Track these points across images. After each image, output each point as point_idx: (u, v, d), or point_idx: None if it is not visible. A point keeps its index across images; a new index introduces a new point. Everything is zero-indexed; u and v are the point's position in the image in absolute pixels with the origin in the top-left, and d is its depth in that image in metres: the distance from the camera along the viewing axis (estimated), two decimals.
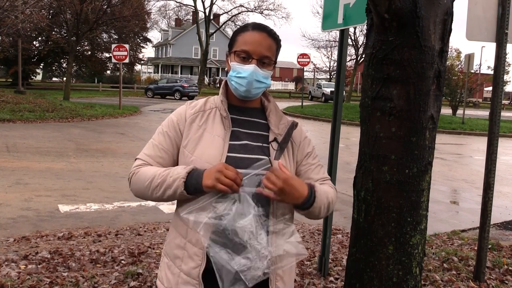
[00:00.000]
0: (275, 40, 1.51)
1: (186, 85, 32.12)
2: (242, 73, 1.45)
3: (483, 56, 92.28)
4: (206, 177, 1.36)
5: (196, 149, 1.46)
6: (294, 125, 1.55)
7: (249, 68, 1.45)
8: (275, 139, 1.50)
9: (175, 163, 1.53)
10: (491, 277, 3.81)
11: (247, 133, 1.51)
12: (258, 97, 1.56)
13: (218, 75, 54.06)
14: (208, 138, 1.47)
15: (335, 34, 37.34)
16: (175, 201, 1.55)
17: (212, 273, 1.43)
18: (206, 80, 45.72)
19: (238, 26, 1.61)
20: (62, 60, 41.77)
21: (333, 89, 4.09)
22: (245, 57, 1.47)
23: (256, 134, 1.52)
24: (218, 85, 47.98)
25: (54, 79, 58.55)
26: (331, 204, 1.50)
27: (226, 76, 1.57)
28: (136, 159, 1.55)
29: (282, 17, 62.91)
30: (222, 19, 47.40)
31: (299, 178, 1.51)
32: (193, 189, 1.38)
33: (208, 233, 1.38)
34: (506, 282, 3.72)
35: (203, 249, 1.43)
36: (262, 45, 1.47)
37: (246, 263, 1.37)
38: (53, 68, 46.51)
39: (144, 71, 62.85)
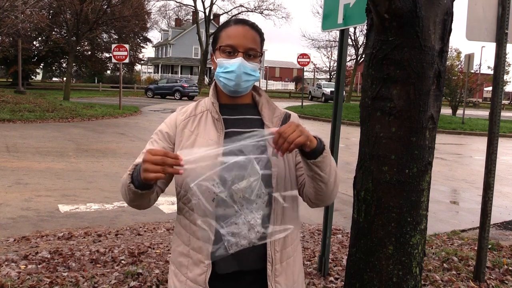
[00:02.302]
0: (258, 33, 1.50)
1: (186, 85, 32.12)
2: (229, 67, 1.43)
3: (483, 56, 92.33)
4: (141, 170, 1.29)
5: None
6: (287, 117, 1.53)
7: (236, 62, 1.43)
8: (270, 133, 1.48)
9: None
10: (491, 277, 3.81)
11: (241, 133, 1.46)
12: (248, 92, 1.54)
13: None
14: (202, 144, 1.44)
15: (335, 34, 37.36)
16: (176, 205, 1.54)
17: (219, 279, 1.45)
18: (206, 80, 45.73)
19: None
20: (62, 60, 41.81)
21: (333, 89, 4.10)
22: (231, 52, 1.45)
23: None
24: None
25: (54, 79, 58.58)
26: (337, 173, 1.44)
27: (213, 75, 1.55)
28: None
29: (282, 17, 62.92)
30: (222, 19, 47.43)
31: (300, 167, 1.49)
32: (137, 182, 1.31)
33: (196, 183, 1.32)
34: (506, 282, 3.72)
35: (208, 255, 1.42)
36: (246, 37, 1.45)
37: (232, 229, 1.33)
38: (53, 68, 46.53)
39: (144, 71, 62.84)
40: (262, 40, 1.52)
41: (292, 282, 1.52)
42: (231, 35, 1.45)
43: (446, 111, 22.24)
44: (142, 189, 1.32)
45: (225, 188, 1.32)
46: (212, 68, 1.58)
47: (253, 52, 1.46)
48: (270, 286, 1.46)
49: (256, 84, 1.58)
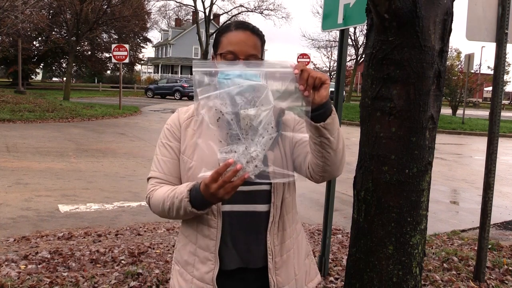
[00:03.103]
0: (259, 37, 1.50)
1: (186, 85, 32.13)
2: (230, 75, 1.43)
3: (483, 56, 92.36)
4: (210, 198, 1.28)
5: (195, 154, 1.46)
6: (281, 112, 1.52)
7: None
8: None
9: None
10: (491, 277, 3.81)
11: None
12: None
13: None
14: (205, 142, 1.46)
15: (335, 34, 37.36)
16: None
17: (225, 277, 1.47)
18: None
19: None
20: (62, 60, 41.85)
21: (333, 89, 4.07)
22: (232, 58, 1.45)
23: None
24: None
25: (54, 79, 58.64)
26: (344, 140, 1.42)
27: None
28: (148, 178, 1.53)
29: (282, 17, 62.77)
30: (222, 19, 47.43)
31: (300, 145, 1.48)
32: (202, 205, 1.33)
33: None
34: (506, 282, 3.72)
35: (215, 252, 1.44)
36: (247, 44, 1.45)
37: (230, 156, 1.24)
38: (53, 68, 46.56)
39: (144, 71, 62.88)
40: (262, 43, 1.52)
41: (294, 274, 1.54)
42: (232, 41, 1.45)
43: (446, 111, 22.24)
44: (204, 209, 1.35)
45: (233, 110, 1.26)
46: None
47: (254, 59, 1.46)
48: (270, 279, 1.47)
49: None
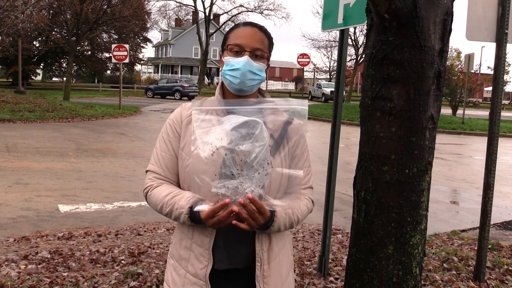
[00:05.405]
0: (266, 35, 1.53)
1: (186, 85, 32.12)
2: (235, 65, 1.46)
3: (483, 56, 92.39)
4: (207, 223, 1.33)
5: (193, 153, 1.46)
6: (289, 121, 1.52)
7: (242, 60, 1.46)
8: (271, 136, 1.47)
9: None
10: (491, 277, 3.81)
11: None
12: (254, 94, 1.55)
13: (218, 75, 54.18)
14: None
15: (335, 34, 37.37)
16: None
17: (218, 274, 1.47)
18: (206, 80, 45.77)
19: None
20: (62, 60, 41.81)
21: (333, 89, 4.10)
22: (238, 51, 1.48)
23: None
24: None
25: (54, 79, 58.59)
26: (296, 221, 1.47)
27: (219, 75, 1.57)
28: (146, 171, 1.54)
29: (282, 17, 62.85)
30: (222, 19, 47.41)
31: (292, 188, 1.49)
32: (200, 221, 1.36)
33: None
34: (506, 282, 3.72)
35: (209, 249, 1.45)
36: (253, 38, 1.48)
37: (222, 190, 1.26)
38: (53, 68, 46.52)
39: (144, 71, 62.87)
40: (270, 43, 1.54)
41: (281, 284, 1.52)
42: (239, 35, 1.49)
43: (446, 111, 22.24)
44: (202, 223, 1.38)
45: (228, 145, 1.26)
46: (220, 68, 1.59)
47: (260, 53, 1.49)
48: (258, 286, 1.47)
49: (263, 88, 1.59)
